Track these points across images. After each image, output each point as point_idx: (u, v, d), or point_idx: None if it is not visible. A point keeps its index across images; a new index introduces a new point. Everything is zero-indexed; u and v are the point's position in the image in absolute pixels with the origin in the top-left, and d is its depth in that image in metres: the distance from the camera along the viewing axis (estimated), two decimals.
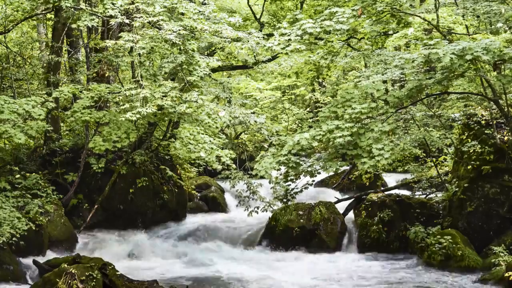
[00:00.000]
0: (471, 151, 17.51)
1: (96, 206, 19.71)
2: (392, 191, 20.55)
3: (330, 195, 23.10)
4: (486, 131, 17.50)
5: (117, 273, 14.42)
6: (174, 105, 16.46)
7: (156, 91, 16.70)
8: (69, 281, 13.35)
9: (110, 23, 19.07)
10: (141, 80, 18.06)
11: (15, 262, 16.09)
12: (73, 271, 13.50)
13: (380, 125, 13.58)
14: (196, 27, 17.08)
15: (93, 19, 17.82)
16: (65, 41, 21.51)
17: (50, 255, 17.14)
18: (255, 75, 34.44)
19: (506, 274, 14.72)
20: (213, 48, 22.20)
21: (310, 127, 14.61)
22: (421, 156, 22.18)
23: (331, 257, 18.52)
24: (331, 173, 25.24)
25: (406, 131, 17.86)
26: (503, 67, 14.72)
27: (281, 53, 17.01)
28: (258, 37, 19.20)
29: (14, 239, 15.86)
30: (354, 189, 24.72)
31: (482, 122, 17.70)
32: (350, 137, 13.33)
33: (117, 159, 20.55)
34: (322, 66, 17.00)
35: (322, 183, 26.01)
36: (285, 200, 17.47)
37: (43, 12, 19.63)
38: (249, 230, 20.28)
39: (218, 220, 21.67)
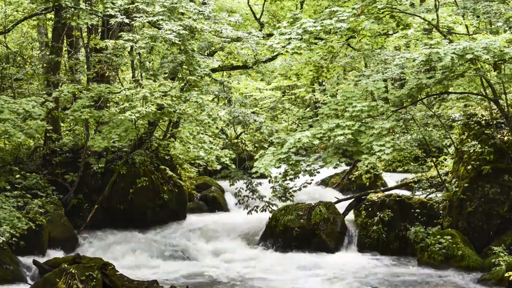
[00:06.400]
0: (471, 151, 17.51)
1: (96, 206, 19.71)
2: (392, 191, 20.53)
3: (330, 195, 23.09)
4: (486, 131, 17.49)
5: (117, 273, 14.42)
6: (174, 105, 16.48)
7: (156, 90, 16.72)
8: (69, 281, 13.35)
9: (110, 22, 19.12)
10: (141, 79, 18.09)
11: (15, 262, 16.08)
12: (73, 271, 13.50)
13: (380, 123, 13.60)
14: (196, 27, 17.11)
15: (93, 18, 17.84)
16: (65, 41, 21.52)
17: (50, 255, 17.13)
18: (255, 75, 34.47)
19: (506, 274, 14.74)
20: (213, 48, 22.22)
21: (311, 126, 14.62)
22: (421, 156, 22.18)
23: (331, 257, 18.51)
24: (331, 173, 25.34)
25: (406, 131, 17.88)
26: (503, 66, 14.74)
27: (281, 53, 17.02)
28: (258, 37, 19.24)
29: (14, 239, 15.84)
30: (354, 189, 24.72)
31: (482, 122, 17.69)
32: (351, 135, 13.35)
33: (117, 159, 20.54)
34: (322, 66, 17.00)
35: (322, 183, 26.02)
36: (284, 198, 17.46)
37: (43, 12, 19.62)
38: (249, 230, 20.27)
39: (218, 220, 21.65)
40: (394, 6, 15.20)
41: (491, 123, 17.38)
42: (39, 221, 17.37)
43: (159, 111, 16.90)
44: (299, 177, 15.31)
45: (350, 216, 20.04)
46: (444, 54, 12.98)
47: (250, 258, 18.56)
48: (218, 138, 21.19)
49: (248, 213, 19.21)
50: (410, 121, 18.22)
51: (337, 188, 25.33)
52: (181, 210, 21.66)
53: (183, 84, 17.59)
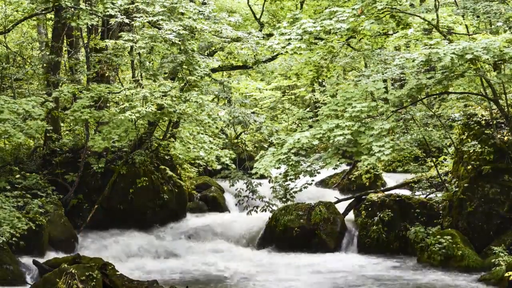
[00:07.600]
0: (471, 151, 17.52)
1: (96, 206, 19.70)
2: (392, 191, 20.54)
3: (330, 195, 23.09)
4: (486, 131, 17.50)
5: (117, 273, 14.44)
6: (174, 105, 16.47)
7: (156, 90, 16.72)
8: (69, 281, 13.37)
9: (110, 22, 19.13)
10: (141, 79, 18.10)
11: (15, 262, 16.08)
12: (73, 271, 13.51)
13: (380, 123, 13.60)
14: (196, 27, 17.10)
15: (93, 18, 17.84)
16: (65, 41, 21.51)
17: (50, 255, 17.12)
18: (255, 75, 34.45)
19: (506, 274, 14.73)
20: (213, 48, 22.22)
21: (310, 126, 14.63)
22: (421, 156, 22.17)
23: (331, 257, 18.52)
24: (331, 173, 25.34)
25: (406, 131, 17.90)
26: (503, 66, 14.74)
27: (281, 53, 17.01)
28: (258, 37, 19.23)
29: (14, 239, 15.85)
30: (354, 189, 24.70)
31: (482, 122, 17.70)
32: (351, 136, 13.35)
33: (117, 159, 20.54)
34: (322, 66, 17.00)
35: (322, 183, 26.01)
36: (284, 199, 17.47)
37: (43, 12, 19.62)
38: (249, 230, 20.29)
39: (218, 220, 21.65)
40: (394, 7, 15.20)
41: (491, 123, 17.39)
42: (39, 221, 17.37)
43: (159, 111, 16.90)
44: (299, 178, 15.32)
45: (350, 216, 20.05)
46: (444, 54, 12.97)
47: (250, 258, 18.57)
48: (218, 138, 21.16)
49: (248, 213, 19.22)
50: (410, 121, 18.23)
51: (337, 188, 25.32)
52: (181, 210, 21.67)
53: (183, 84, 17.59)
